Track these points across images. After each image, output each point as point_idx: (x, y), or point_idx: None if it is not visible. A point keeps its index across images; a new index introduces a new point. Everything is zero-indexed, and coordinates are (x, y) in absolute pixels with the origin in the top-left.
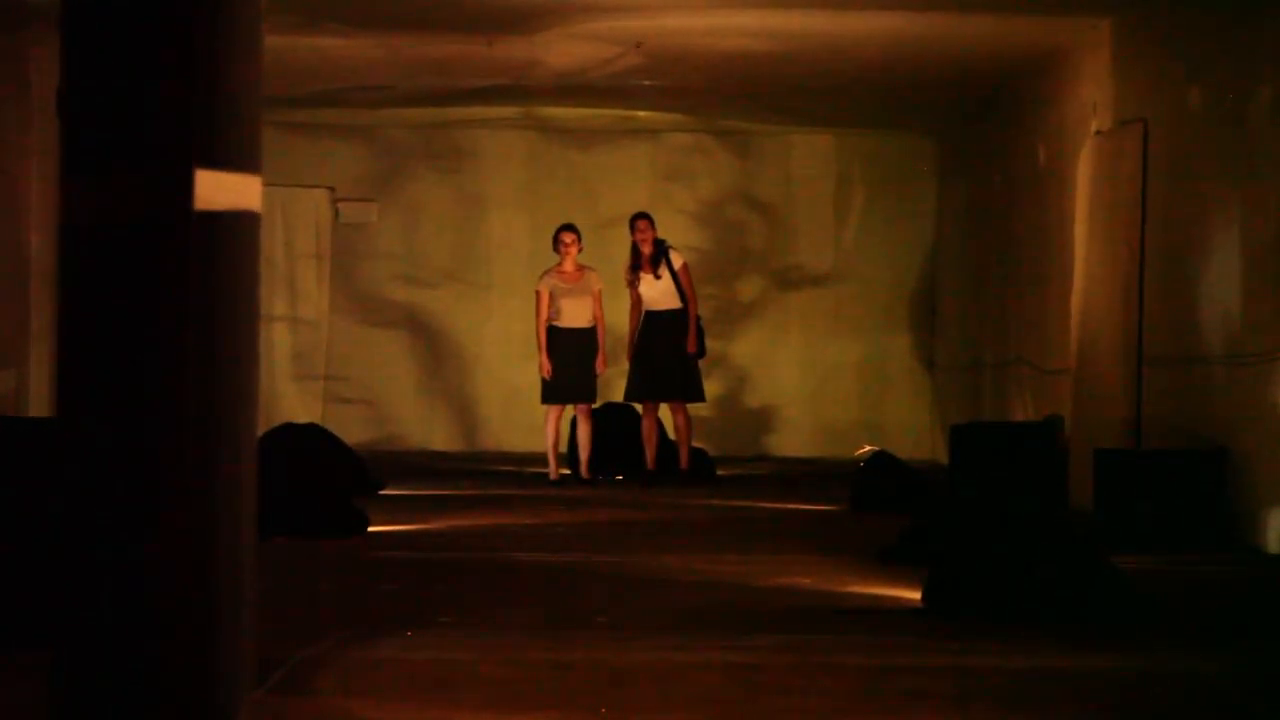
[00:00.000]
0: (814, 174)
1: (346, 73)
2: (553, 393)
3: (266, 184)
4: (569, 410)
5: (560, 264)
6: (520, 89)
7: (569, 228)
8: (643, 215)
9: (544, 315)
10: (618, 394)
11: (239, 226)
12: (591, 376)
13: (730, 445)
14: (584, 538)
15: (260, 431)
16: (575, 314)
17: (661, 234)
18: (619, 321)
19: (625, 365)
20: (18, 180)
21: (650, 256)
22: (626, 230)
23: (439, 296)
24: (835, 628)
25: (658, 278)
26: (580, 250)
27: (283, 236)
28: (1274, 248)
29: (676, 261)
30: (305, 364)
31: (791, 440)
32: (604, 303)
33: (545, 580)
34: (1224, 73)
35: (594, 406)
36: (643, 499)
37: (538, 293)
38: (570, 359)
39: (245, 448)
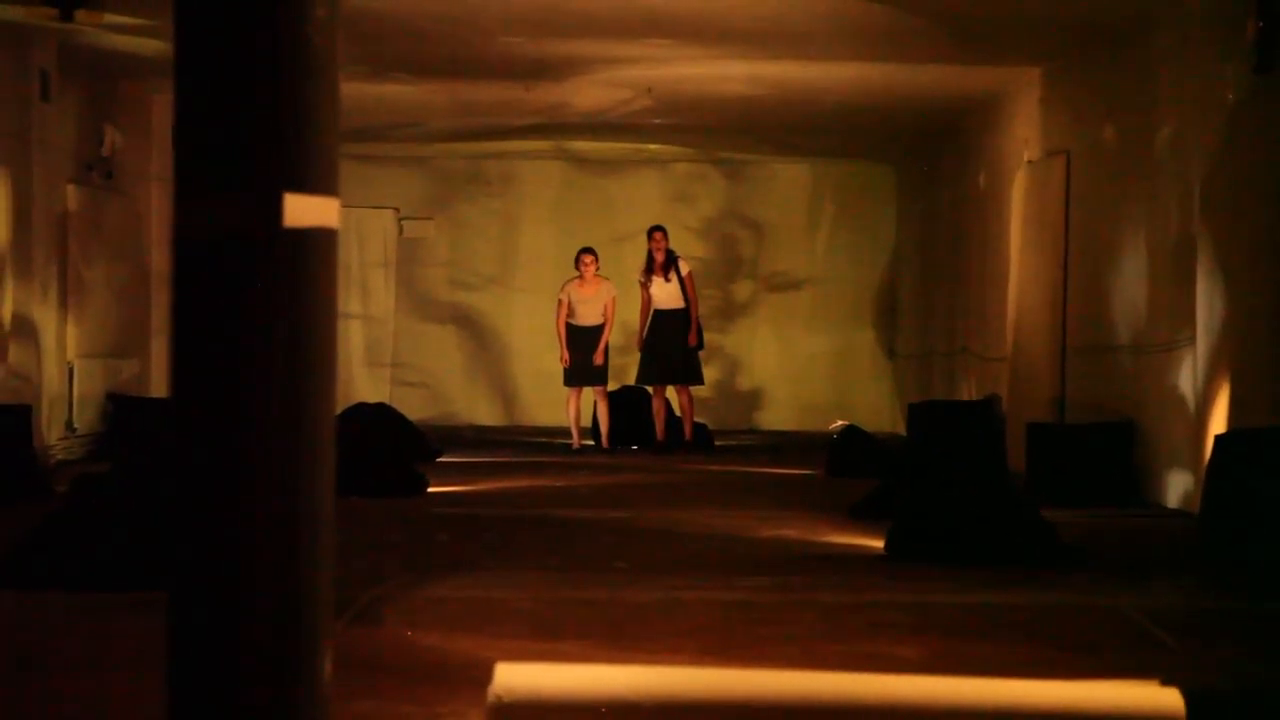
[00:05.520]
0: (794, 195)
1: (409, 113)
2: (571, 377)
3: (343, 205)
4: (587, 392)
5: (579, 277)
6: (552, 126)
7: (589, 250)
8: (659, 228)
9: (562, 318)
10: (632, 378)
11: (320, 241)
12: (602, 364)
13: (726, 420)
14: (605, 497)
15: (338, 410)
16: (588, 315)
17: (669, 246)
18: (632, 319)
19: (636, 354)
20: (140, 203)
21: (662, 263)
22: (640, 243)
23: (484, 297)
24: (814, 570)
25: (667, 280)
26: (598, 268)
27: (357, 249)
28: (1173, 256)
29: (684, 269)
30: (375, 353)
31: (776, 416)
32: (618, 304)
33: (572, 532)
34: (1132, 113)
35: (613, 389)
36: (653, 465)
37: (559, 300)
38: (584, 351)
39: (325, 422)
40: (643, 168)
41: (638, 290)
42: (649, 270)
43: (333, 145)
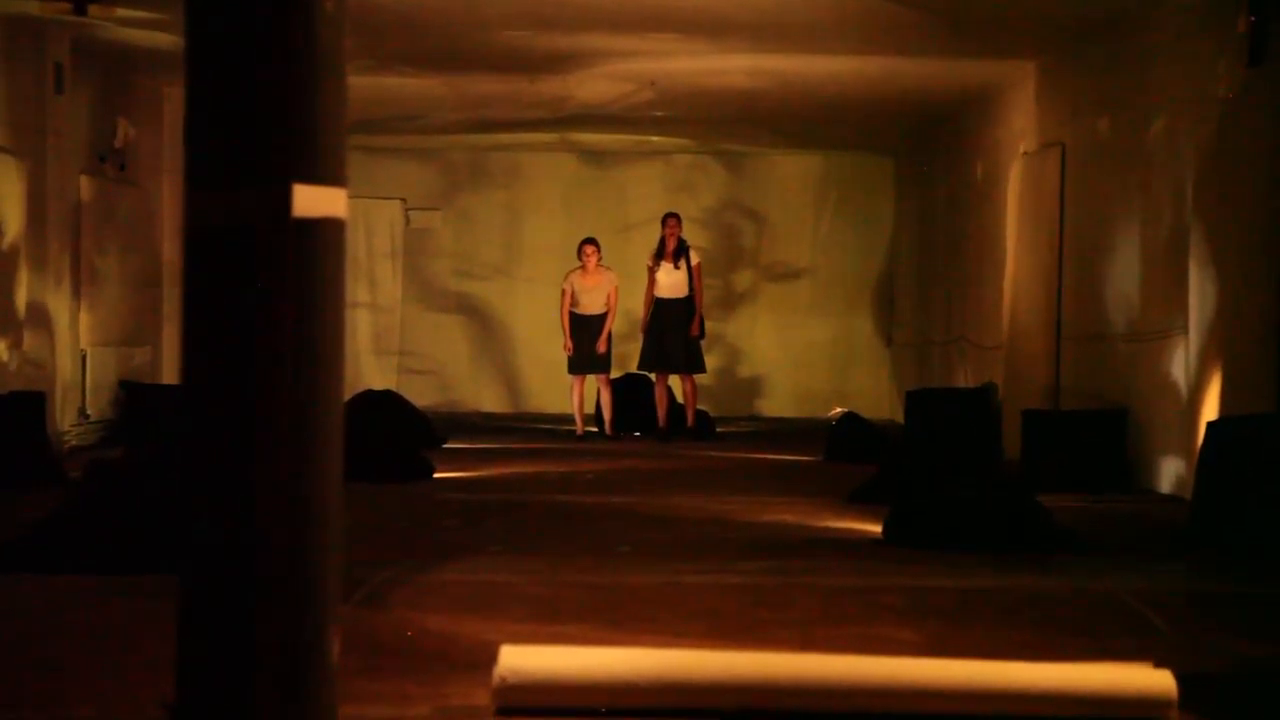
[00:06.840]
0: (794, 186)
1: (415, 106)
2: (575, 365)
3: (351, 196)
4: (591, 379)
5: (581, 267)
6: (556, 119)
7: (590, 241)
8: (674, 214)
9: (565, 307)
10: (635, 366)
11: (328, 231)
12: (605, 352)
13: (727, 407)
14: (608, 483)
15: (346, 397)
16: (591, 305)
17: (681, 235)
18: (636, 306)
19: (639, 342)
20: (152, 194)
21: (673, 250)
22: (643, 234)
23: (489, 287)
24: (813, 554)
25: (676, 267)
26: (600, 258)
27: (364, 239)
28: (1166, 247)
29: (694, 259)
30: (382, 342)
31: (776, 403)
32: (620, 293)
33: (577, 517)
34: (1127, 105)
35: (616, 377)
36: (656, 451)
37: (563, 290)
38: (587, 339)
39: (333, 408)
40: (645, 159)
41: (640, 280)
42: (659, 255)
43: (340, 137)
